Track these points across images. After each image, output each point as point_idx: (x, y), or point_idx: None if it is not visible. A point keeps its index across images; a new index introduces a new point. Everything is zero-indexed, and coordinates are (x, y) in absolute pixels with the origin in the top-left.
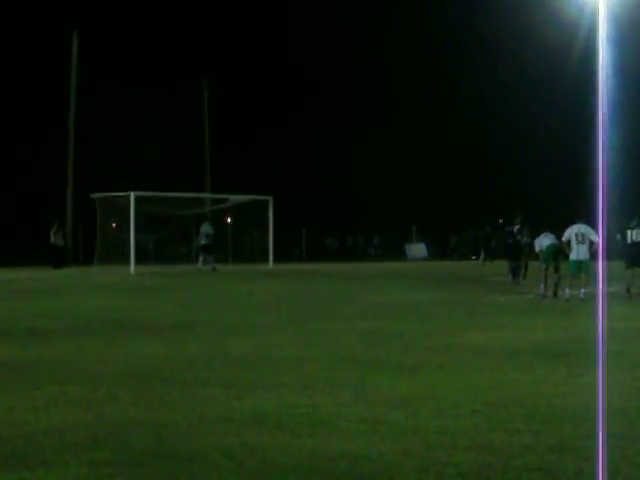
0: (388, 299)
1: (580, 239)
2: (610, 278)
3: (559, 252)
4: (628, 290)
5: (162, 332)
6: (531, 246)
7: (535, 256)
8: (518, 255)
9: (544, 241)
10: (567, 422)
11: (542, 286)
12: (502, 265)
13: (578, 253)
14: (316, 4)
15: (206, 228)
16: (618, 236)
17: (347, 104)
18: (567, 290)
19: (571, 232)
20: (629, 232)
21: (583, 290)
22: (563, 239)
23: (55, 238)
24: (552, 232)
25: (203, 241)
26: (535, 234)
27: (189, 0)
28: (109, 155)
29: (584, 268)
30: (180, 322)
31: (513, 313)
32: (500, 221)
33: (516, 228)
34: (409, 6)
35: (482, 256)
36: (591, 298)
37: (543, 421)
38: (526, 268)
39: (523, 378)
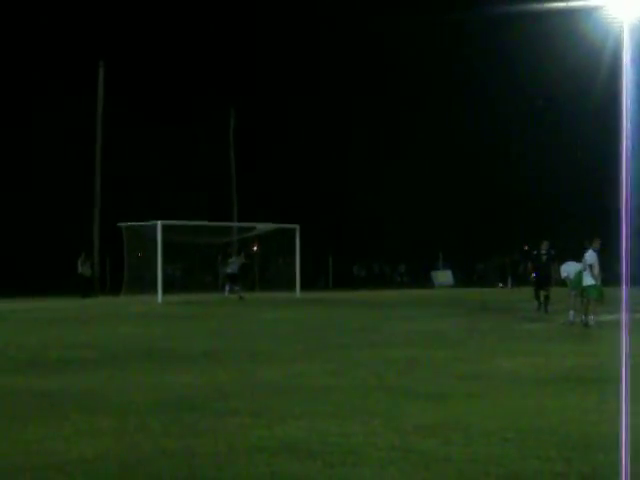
0: (416, 326)
1: (583, 267)
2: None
3: None
4: None
5: (191, 361)
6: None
7: (561, 283)
8: (547, 283)
9: (572, 267)
10: (599, 449)
11: (571, 313)
12: (529, 292)
13: (585, 280)
14: (344, 34)
15: (232, 259)
16: None
17: (372, 131)
18: (572, 313)
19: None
20: None
21: (592, 316)
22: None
23: (82, 268)
24: (577, 259)
25: (229, 270)
26: (560, 261)
27: (214, 31)
28: (136, 184)
29: (587, 293)
30: (209, 351)
31: (542, 340)
32: (525, 247)
33: (544, 255)
34: (430, 31)
35: (510, 283)
36: (615, 324)
37: (575, 448)
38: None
39: (554, 405)
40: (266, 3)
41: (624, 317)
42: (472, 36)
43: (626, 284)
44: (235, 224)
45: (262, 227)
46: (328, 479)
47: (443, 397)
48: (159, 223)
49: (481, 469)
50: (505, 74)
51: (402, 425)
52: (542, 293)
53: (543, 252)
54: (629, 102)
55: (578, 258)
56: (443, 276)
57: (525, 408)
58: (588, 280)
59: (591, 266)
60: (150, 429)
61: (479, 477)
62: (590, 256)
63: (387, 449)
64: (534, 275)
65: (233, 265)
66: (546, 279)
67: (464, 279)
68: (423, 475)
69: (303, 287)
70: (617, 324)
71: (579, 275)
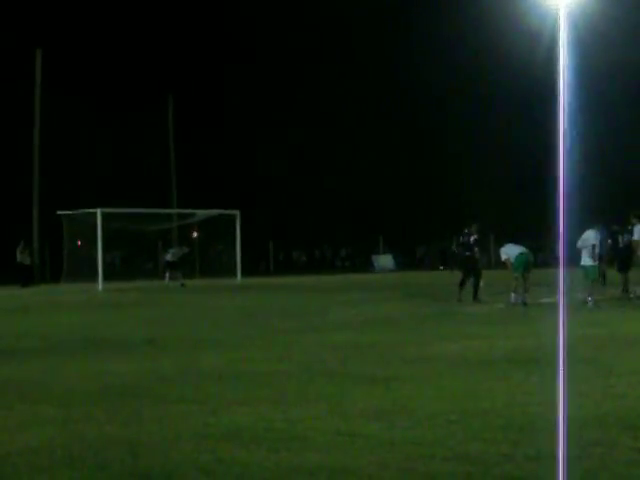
0: (359, 311)
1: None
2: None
3: (529, 260)
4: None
5: (134, 349)
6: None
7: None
8: (475, 269)
9: (512, 250)
10: (543, 430)
11: (513, 295)
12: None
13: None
14: (285, 18)
15: (174, 249)
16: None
17: (313, 119)
18: (513, 295)
19: None
20: (619, 237)
21: (589, 297)
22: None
23: (22, 256)
24: (515, 241)
25: (169, 257)
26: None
27: (154, 17)
28: (75, 172)
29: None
30: (151, 338)
31: (484, 322)
32: (465, 230)
33: (472, 239)
34: (378, 21)
35: (451, 266)
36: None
37: (520, 430)
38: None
39: (497, 387)
40: None
41: (561, 299)
42: (412, 24)
43: (563, 265)
44: (175, 211)
45: (202, 213)
46: (274, 465)
47: (387, 381)
48: (98, 210)
49: (427, 452)
50: (442, 60)
51: (347, 410)
52: (471, 281)
53: (473, 236)
54: (565, 81)
55: (516, 241)
56: (384, 260)
57: (469, 391)
58: (588, 261)
59: (594, 246)
60: (94, 418)
61: (425, 460)
62: (591, 236)
63: (332, 434)
64: (464, 263)
65: (173, 252)
66: (475, 265)
67: (405, 263)
68: (369, 459)
69: (244, 273)
70: (557, 306)
71: (520, 257)
